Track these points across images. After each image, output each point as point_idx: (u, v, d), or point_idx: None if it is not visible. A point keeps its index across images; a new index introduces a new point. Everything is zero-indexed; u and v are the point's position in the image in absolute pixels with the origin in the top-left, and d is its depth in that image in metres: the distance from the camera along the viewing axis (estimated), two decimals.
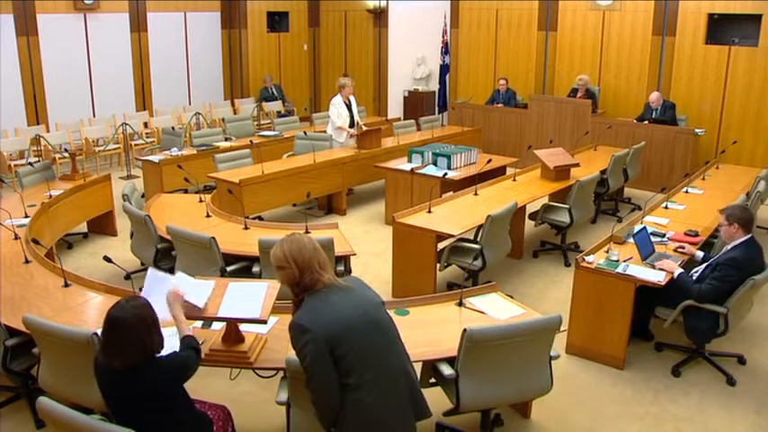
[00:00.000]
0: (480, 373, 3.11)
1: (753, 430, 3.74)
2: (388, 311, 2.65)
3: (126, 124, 9.49)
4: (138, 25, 10.79)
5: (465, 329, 3.03)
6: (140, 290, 3.39)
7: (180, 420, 2.59)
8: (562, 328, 3.26)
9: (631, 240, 4.58)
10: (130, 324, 2.44)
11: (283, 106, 11.86)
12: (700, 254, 4.55)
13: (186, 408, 2.67)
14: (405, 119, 10.63)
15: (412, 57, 11.76)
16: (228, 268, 4.52)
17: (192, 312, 3.02)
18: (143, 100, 11.06)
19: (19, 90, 9.48)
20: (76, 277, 4.01)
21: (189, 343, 2.75)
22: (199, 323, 3.37)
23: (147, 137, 10.11)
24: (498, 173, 6.92)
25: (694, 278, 4.19)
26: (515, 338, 3.10)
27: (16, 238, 4.71)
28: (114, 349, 2.46)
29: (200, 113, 10.47)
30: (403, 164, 7.09)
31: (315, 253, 2.52)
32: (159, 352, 2.54)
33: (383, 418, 2.45)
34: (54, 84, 9.81)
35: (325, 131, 8.24)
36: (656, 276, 4.13)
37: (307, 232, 4.87)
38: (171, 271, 4.85)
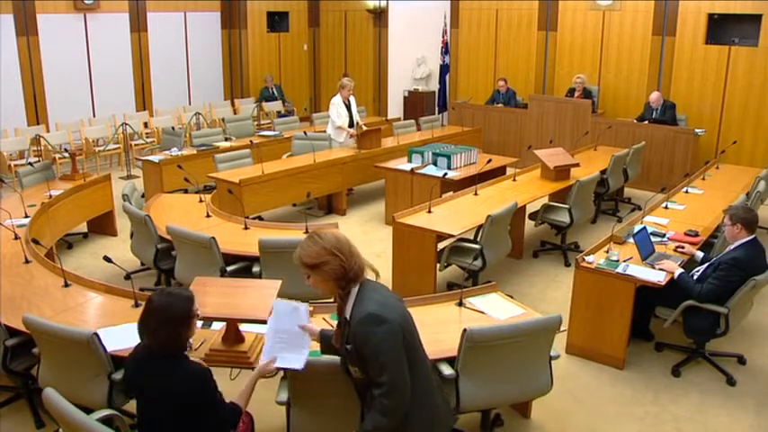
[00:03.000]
0: (480, 373, 3.12)
1: (753, 430, 3.74)
2: None
3: (126, 124, 9.49)
4: (138, 25, 10.79)
5: (465, 329, 3.03)
6: (141, 289, 3.39)
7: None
8: (562, 328, 3.27)
9: (631, 240, 4.58)
10: (161, 308, 2.50)
11: (283, 106, 11.86)
12: (700, 254, 4.55)
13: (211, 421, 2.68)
14: (405, 119, 10.63)
15: (412, 57, 11.76)
16: (228, 268, 4.52)
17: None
18: (143, 100, 11.06)
19: (19, 90, 9.48)
20: (76, 277, 4.01)
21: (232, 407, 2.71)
22: (199, 323, 3.36)
23: (147, 137, 10.11)
24: (498, 173, 6.92)
25: (695, 278, 4.19)
26: (515, 338, 3.10)
27: (16, 238, 4.71)
28: (146, 329, 2.51)
29: (200, 113, 10.47)
30: (403, 164, 7.09)
31: (349, 240, 2.40)
32: (186, 348, 2.57)
33: (439, 409, 2.44)
34: (54, 84, 9.81)
35: (324, 131, 8.24)
36: (657, 276, 4.13)
37: (307, 232, 4.87)
38: (171, 271, 4.88)
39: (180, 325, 2.52)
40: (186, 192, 6.99)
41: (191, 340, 2.65)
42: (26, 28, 9.41)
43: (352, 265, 2.33)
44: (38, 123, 9.60)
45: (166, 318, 2.50)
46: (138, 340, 2.60)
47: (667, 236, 4.83)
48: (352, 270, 2.33)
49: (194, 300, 2.61)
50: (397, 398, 2.25)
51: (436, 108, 11.57)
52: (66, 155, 7.87)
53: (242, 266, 4.59)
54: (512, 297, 3.96)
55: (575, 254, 5.42)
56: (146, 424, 2.61)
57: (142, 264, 5.48)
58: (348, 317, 2.31)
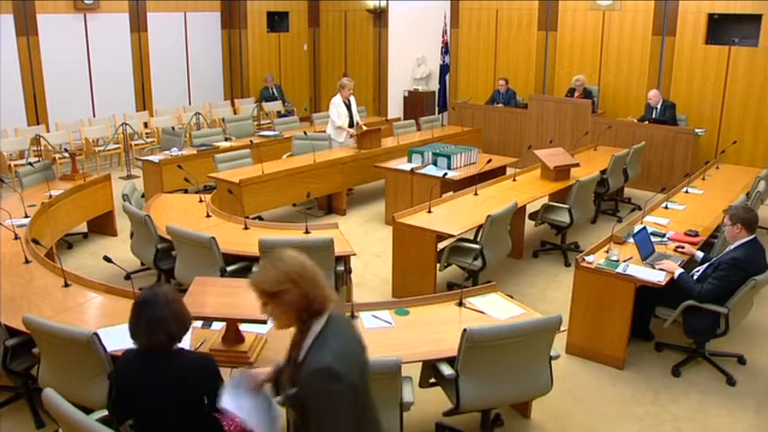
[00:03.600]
0: (480, 373, 3.12)
1: (753, 430, 3.74)
2: None
3: (126, 124, 9.49)
4: (138, 25, 10.78)
5: (465, 329, 3.03)
6: (140, 289, 3.39)
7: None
8: (562, 328, 3.27)
9: (631, 240, 4.58)
10: (168, 302, 2.51)
11: (283, 106, 11.86)
12: (699, 254, 4.55)
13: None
14: (405, 119, 10.63)
15: (412, 57, 11.76)
16: (228, 268, 4.52)
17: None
18: (143, 100, 11.06)
19: (19, 90, 9.48)
20: (76, 277, 4.01)
21: None
22: (199, 323, 3.37)
23: (147, 137, 10.11)
24: (498, 173, 6.92)
25: (695, 278, 4.19)
26: (515, 338, 3.10)
27: (16, 238, 4.71)
28: (156, 327, 2.48)
29: (200, 113, 10.47)
30: (403, 164, 7.09)
31: (315, 266, 2.08)
32: (182, 337, 2.57)
33: None
34: (54, 84, 9.81)
35: (324, 131, 8.24)
36: (657, 276, 4.13)
37: (307, 232, 4.88)
38: (171, 271, 4.88)
39: (184, 317, 2.55)
40: (186, 192, 7.00)
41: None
42: (26, 28, 9.41)
43: (316, 295, 2.02)
44: (38, 123, 9.60)
45: (176, 311, 2.51)
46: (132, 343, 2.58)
47: (667, 236, 4.83)
48: (316, 301, 2.02)
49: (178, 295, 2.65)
50: None
51: (436, 108, 11.57)
52: (67, 155, 7.87)
53: (242, 266, 4.59)
54: (512, 297, 3.97)
55: (575, 254, 5.42)
56: (146, 426, 2.60)
57: (142, 264, 5.48)
58: (302, 359, 2.03)
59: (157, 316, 2.48)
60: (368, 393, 2.15)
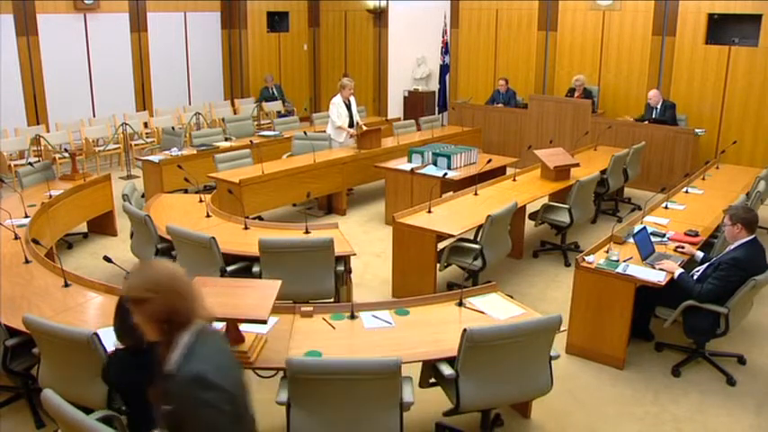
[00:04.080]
0: (480, 373, 3.12)
1: (753, 430, 3.74)
2: None
3: (126, 124, 9.49)
4: (138, 25, 10.79)
5: (465, 329, 3.03)
6: None
7: None
8: (562, 328, 3.27)
9: (631, 240, 4.58)
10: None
11: (283, 106, 11.86)
12: (699, 254, 4.55)
13: None
14: (405, 119, 10.63)
15: (412, 57, 11.76)
16: (228, 268, 4.52)
17: None
18: (143, 100, 11.06)
19: (19, 90, 9.48)
20: (76, 277, 4.01)
21: None
22: None
23: (147, 137, 10.11)
24: (498, 173, 6.92)
25: (695, 278, 4.19)
26: (515, 338, 3.10)
27: (16, 238, 4.71)
28: (131, 329, 2.42)
29: (200, 113, 10.47)
30: (403, 164, 7.09)
31: (187, 279, 1.99)
32: None
33: None
34: (54, 84, 9.81)
35: (324, 131, 8.24)
36: (657, 276, 4.13)
37: (307, 232, 4.88)
38: None
39: None
40: (186, 192, 6.99)
41: None
42: (26, 28, 9.41)
43: (180, 307, 1.91)
44: (38, 123, 9.60)
45: None
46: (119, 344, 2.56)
47: (667, 236, 4.83)
48: (180, 314, 1.91)
49: None
50: None
51: (436, 108, 11.57)
52: (66, 155, 7.87)
53: (242, 266, 4.59)
54: (512, 297, 3.97)
55: (575, 254, 5.42)
56: (141, 418, 2.59)
57: None
58: (172, 371, 1.88)
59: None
60: (247, 410, 2.03)
